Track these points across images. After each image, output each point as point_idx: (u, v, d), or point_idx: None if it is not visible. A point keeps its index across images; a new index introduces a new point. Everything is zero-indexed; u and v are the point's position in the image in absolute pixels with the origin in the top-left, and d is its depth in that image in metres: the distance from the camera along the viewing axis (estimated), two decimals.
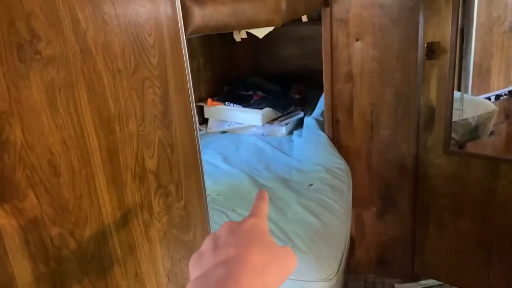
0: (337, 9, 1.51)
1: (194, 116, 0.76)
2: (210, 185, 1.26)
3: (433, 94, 1.49)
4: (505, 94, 2.53)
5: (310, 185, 1.36)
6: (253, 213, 0.41)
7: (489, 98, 2.46)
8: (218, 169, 1.54)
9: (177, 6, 0.71)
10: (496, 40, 2.24)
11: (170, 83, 0.69)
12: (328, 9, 1.50)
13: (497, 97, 2.49)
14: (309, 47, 2.17)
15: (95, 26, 0.53)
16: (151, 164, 0.63)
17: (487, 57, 2.25)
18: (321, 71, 1.61)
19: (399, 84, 1.53)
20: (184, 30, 0.76)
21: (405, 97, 1.53)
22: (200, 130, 1.89)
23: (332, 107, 1.64)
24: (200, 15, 0.84)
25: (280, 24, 0.98)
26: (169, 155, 0.68)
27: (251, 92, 2.07)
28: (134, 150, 0.60)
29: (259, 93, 2.07)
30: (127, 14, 0.58)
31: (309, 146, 1.68)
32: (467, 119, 1.85)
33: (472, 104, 1.93)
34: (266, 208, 0.43)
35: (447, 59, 1.42)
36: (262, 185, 1.37)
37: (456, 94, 1.70)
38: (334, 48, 1.57)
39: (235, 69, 2.34)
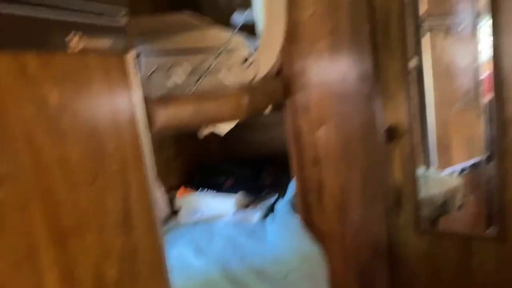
0: (299, 99, 1.58)
1: (157, 218, 0.75)
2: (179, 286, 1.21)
3: (398, 175, 1.53)
4: (467, 168, 2.61)
5: (285, 277, 1.33)
6: None
7: (453, 173, 2.53)
8: (189, 265, 1.49)
9: (138, 109, 0.73)
10: (454, 116, 2.36)
11: (132, 188, 0.69)
12: (290, 100, 1.57)
13: (462, 170, 2.57)
14: (277, 132, 2.23)
15: (53, 140, 0.53)
16: (111, 275, 0.61)
17: (448, 132, 2.36)
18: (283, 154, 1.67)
19: (365, 167, 1.57)
20: (149, 131, 0.77)
21: (372, 179, 1.57)
22: (170, 222, 1.86)
23: (303, 191, 1.66)
24: (164, 116, 0.87)
25: (242, 120, 1.02)
26: (131, 263, 0.66)
27: (223, 179, 2.08)
28: (93, 262, 0.58)
29: (231, 179, 2.08)
30: (87, 124, 0.59)
31: (283, 233, 1.66)
32: (434, 195, 1.90)
33: (438, 180, 1.99)
34: None
35: (407, 140, 1.48)
36: (235, 281, 1.33)
37: (422, 171, 1.75)
38: (298, 134, 1.62)
39: (206, 156, 2.36)
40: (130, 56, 0.69)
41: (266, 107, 1.28)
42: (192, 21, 1.11)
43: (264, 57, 1.23)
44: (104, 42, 0.63)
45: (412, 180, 1.51)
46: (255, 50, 1.29)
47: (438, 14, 1.72)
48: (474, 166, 2.65)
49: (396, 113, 1.48)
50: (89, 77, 0.60)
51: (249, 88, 1.09)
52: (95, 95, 0.60)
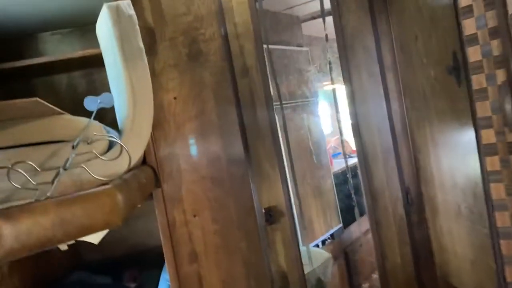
0: (169, 188, 1.43)
1: None
2: None
3: (282, 259, 1.45)
4: (328, 238, 2.71)
5: None
6: None
7: (317, 245, 2.59)
8: None
9: None
10: (311, 190, 2.45)
11: None
12: (159, 190, 1.40)
13: (323, 242, 2.65)
14: (139, 225, 1.99)
15: None
16: None
17: (308, 208, 2.42)
18: (156, 248, 1.46)
19: (246, 255, 1.45)
20: None
21: (255, 267, 1.45)
22: None
23: None
24: (13, 235, 0.63)
25: (120, 224, 0.82)
26: None
27: None
28: None
29: None
30: None
31: None
32: (314, 269, 1.87)
33: (312, 256, 1.98)
34: None
35: (287, 221, 1.43)
36: None
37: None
38: (171, 228, 1.44)
39: (51, 268, 1.95)
40: None
41: (141, 202, 1.09)
42: (42, 107, 0.90)
43: (134, 145, 1.06)
44: None
45: (297, 262, 1.45)
46: (120, 137, 1.11)
47: (292, 94, 1.80)
48: (332, 236, 2.76)
49: (273, 194, 1.43)
50: None
51: (123, 183, 0.90)
52: None
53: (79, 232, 0.74)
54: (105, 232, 0.87)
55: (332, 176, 2.70)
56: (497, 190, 0.76)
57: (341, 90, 2.19)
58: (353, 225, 2.94)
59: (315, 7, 2.13)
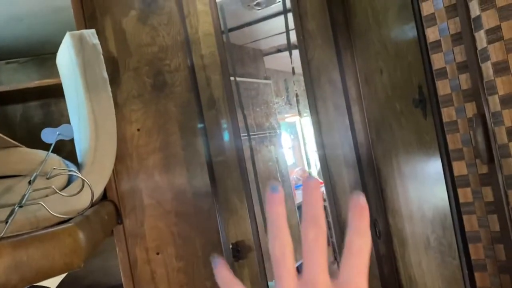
0: (131, 224, 1.36)
1: None
2: None
3: None
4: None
5: None
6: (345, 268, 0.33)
7: None
8: None
9: None
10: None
11: None
12: (120, 227, 1.33)
13: None
14: (97, 264, 1.88)
15: None
16: None
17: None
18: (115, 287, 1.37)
19: None
20: None
21: None
22: None
23: None
24: None
25: (82, 265, 0.76)
26: None
27: None
28: None
29: None
30: None
31: None
32: None
33: None
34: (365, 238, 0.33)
35: (255, 257, 1.39)
36: None
37: None
38: (133, 267, 1.36)
39: None
40: None
41: (103, 240, 1.03)
42: None
43: (95, 179, 1.01)
44: None
45: None
46: (80, 171, 1.05)
47: (259, 126, 1.79)
48: (297, 269, 2.73)
49: (241, 228, 1.39)
50: None
51: (84, 220, 0.85)
52: None
53: (36, 276, 0.68)
54: (63, 275, 0.81)
55: (296, 208, 2.69)
56: (470, 222, 0.76)
57: (304, 122, 2.21)
58: None
59: (277, 41, 2.17)
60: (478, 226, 0.74)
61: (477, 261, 0.76)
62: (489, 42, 0.62)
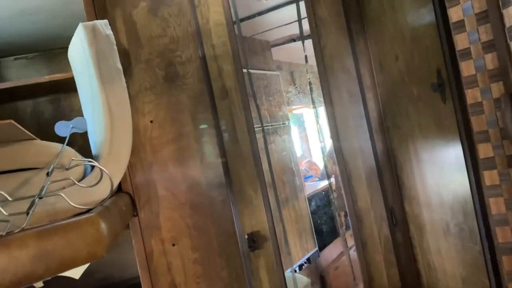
0: (146, 216, 1.35)
1: None
2: None
3: (266, 286, 1.40)
4: (305, 262, 2.66)
5: None
6: None
7: (295, 270, 2.53)
8: None
9: None
10: (288, 213, 2.41)
11: None
12: (136, 219, 1.33)
13: (300, 267, 2.60)
14: (110, 257, 1.88)
15: None
16: None
17: (286, 232, 2.37)
18: (128, 281, 1.37)
19: (229, 284, 1.39)
20: None
21: None
22: None
23: None
24: None
25: (105, 254, 0.75)
26: None
27: None
28: None
29: None
30: None
31: None
32: None
33: (296, 281, 1.93)
34: None
35: (271, 247, 1.38)
36: None
37: None
38: (149, 258, 1.36)
39: None
40: None
41: (123, 231, 1.02)
42: (15, 131, 0.83)
43: (113, 170, 1.00)
44: None
45: None
46: (96, 162, 1.05)
47: (272, 116, 1.78)
48: (308, 260, 2.73)
49: (256, 218, 1.39)
50: None
51: (105, 211, 0.84)
52: None
53: (61, 266, 0.67)
54: (86, 265, 0.80)
55: (306, 199, 2.69)
56: (497, 205, 0.75)
57: (309, 113, 2.19)
58: (328, 249, 2.92)
59: (286, 32, 2.15)
60: (506, 209, 0.73)
61: (505, 244, 0.75)
62: None
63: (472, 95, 0.75)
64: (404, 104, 1.18)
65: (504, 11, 0.64)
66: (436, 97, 1.01)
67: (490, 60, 0.70)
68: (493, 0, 0.65)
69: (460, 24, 0.74)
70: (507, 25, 0.64)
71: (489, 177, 0.75)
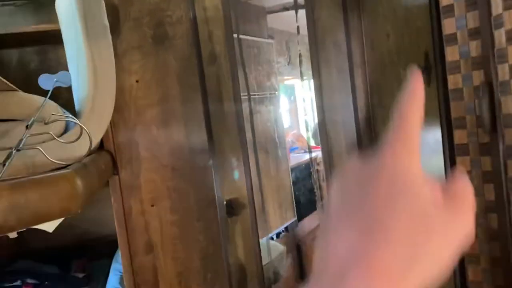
0: (126, 176, 1.36)
1: None
2: None
3: (240, 252, 1.43)
4: (283, 231, 2.72)
5: None
6: (394, 138, 0.25)
7: (272, 238, 2.59)
8: None
9: None
10: (267, 182, 2.44)
11: None
12: (116, 177, 1.34)
13: (278, 235, 2.66)
14: (89, 214, 1.90)
15: None
16: None
17: (266, 201, 2.41)
18: (106, 237, 1.39)
19: (204, 247, 1.42)
20: None
21: (213, 260, 1.42)
22: None
23: (134, 285, 1.39)
24: None
25: (79, 211, 0.76)
26: None
27: (18, 282, 1.61)
28: None
29: (30, 280, 1.63)
30: None
31: None
32: (271, 262, 1.87)
33: (269, 248, 1.98)
34: (418, 116, 0.25)
35: (248, 214, 1.41)
36: None
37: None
38: (127, 217, 1.38)
39: None
40: None
41: (100, 189, 1.03)
42: None
43: (94, 127, 1.00)
44: None
45: (255, 255, 1.43)
46: (78, 119, 1.04)
47: (260, 86, 1.77)
48: (286, 229, 2.78)
49: (235, 186, 1.40)
50: None
51: (82, 168, 0.84)
52: None
53: (34, 219, 0.68)
54: (60, 219, 0.81)
55: (289, 170, 2.71)
56: None
57: (304, 85, 2.18)
58: (307, 219, 2.97)
59: None
60: (475, 195, 0.75)
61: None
62: (505, 8, 0.61)
63: (454, 80, 0.76)
64: (391, 84, 1.18)
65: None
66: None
67: (474, 48, 0.70)
68: None
69: (450, 9, 0.74)
70: (494, 13, 0.64)
71: (462, 163, 0.77)
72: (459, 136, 0.76)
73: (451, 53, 0.75)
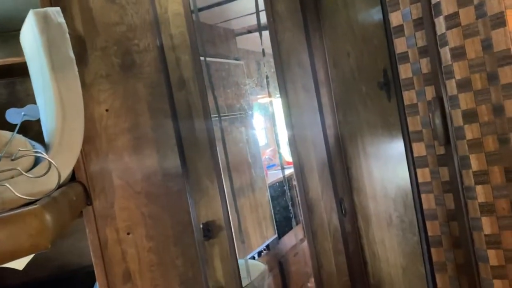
0: (100, 205, 1.35)
1: None
2: None
3: (219, 274, 1.43)
4: (264, 249, 2.72)
5: None
6: None
7: (253, 257, 2.59)
8: None
9: None
10: (247, 202, 2.45)
11: None
12: (90, 208, 1.33)
13: (259, 253, 2.66)
14: (67, 245, 1.86)
15: None
16: None
17: (244, 221, 2.41)
18: (85, 268, 1.37)
19: (183, 272, 1.41)
20: None
21: (192, 284, 1.42)
22: None
23: None
24: None
25: (49, 246, 0.76)
26: None
27: None
28: None
29: None
30: None
31: None
32: (251, 282, 1.86)
33: (248, 269, 1.97)
34: None
35: (225, 236, 1.41)
36: None
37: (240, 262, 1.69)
38: (103, 247, 1.36)
39: None
40: None
41: (72, 221, 1.02)
42: None
43: (63, 160, 1.00)
44: None
45: (235, 276, 1.43)
46: (47, 152, 1.04)
47: (230, 107, 1.79)
48: (268, 247, 2.78)
49: (212, 208, 1.41)
50: None
51: (51, 202, 0.84)
52: None
53: (2, 257, 0.68)
54: (31, 256, 0.81)
55: (267, 187, 2.73)
56: (428, 200, 0.80)
57: (276, 103, 2.22)
58: (287, 236, 2.98)
59: (250, 21, 2.16)
60: (435, 204, 0.78)
61: (434, 237, 0.80)
62: (448, 27, 0.65)
63: (408, 96, 0.79)
64: (354, 101, 1.22)
65: (436, 20, 0.68)
66: (382, 95, 1.05)
67: (425, 65, 0.74)
68: (427, 8, 0.69)
69: (400, 29, 0.78)
70: (438, 32, 0.67)
71: (422, 174, 0.80)
72: (418, 149, 0.80)
73: (404, 71, 0.79)
